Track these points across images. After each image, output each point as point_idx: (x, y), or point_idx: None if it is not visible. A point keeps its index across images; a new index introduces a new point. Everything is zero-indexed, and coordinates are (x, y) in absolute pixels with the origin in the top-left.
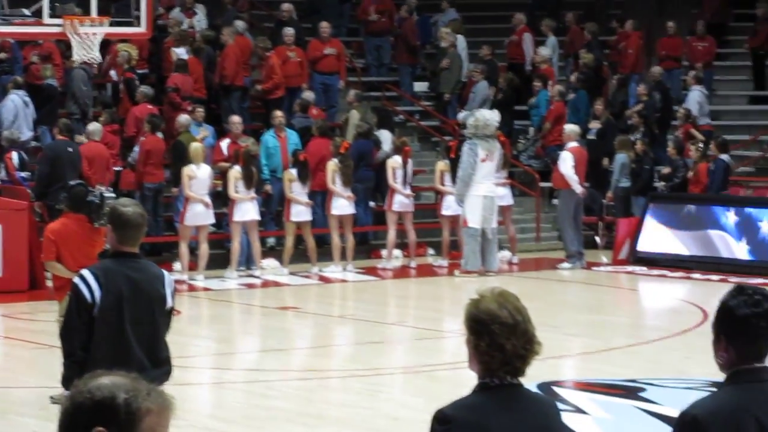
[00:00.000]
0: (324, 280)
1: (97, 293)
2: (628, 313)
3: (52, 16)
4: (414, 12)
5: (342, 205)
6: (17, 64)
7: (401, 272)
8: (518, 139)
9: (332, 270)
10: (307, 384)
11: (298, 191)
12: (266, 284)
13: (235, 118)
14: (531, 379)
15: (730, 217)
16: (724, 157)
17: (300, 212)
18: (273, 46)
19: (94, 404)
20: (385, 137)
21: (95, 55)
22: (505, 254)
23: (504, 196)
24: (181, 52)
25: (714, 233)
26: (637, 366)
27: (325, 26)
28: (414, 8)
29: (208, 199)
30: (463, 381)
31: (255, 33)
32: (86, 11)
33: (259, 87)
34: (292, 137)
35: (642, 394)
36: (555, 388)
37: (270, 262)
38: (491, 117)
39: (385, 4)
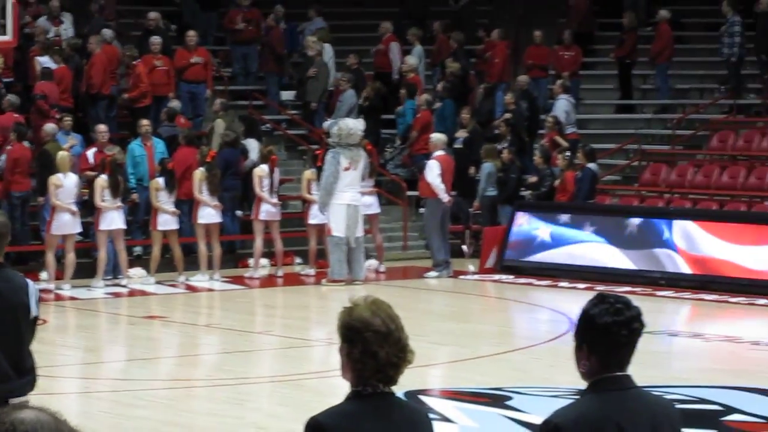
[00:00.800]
0: (191, 289)
1: None
2: (495, 321)
3: None
4: (281, 21)
5: (209, 214)
6: None
7: (268, 281)
8: (385, 148)
9: (199, 279)
10: (174, 393)
11: (164, 200)
12: (133, 293)
13: (102, 127)
14: (398, 388)
15: (596, 225)
16: (591, 165)
17: (166, 221)
18: (140, 54)
19: None
20: (252, 146)
21: None
22: (372, 263)
23: (371, 204)
24: (45, 61)
25: (580, 242)
26: (504, 374)
27: (191, 35)
28: (281, 17)
29: (74, 208)
30: (331, 390)
31: (122, 41)
32: None
33: (125, 96)
34: (159, 146)
35: (508, 403)
36: (422, 397)
37: (137, 271)
38: (355, 126)
39: (251, 13)
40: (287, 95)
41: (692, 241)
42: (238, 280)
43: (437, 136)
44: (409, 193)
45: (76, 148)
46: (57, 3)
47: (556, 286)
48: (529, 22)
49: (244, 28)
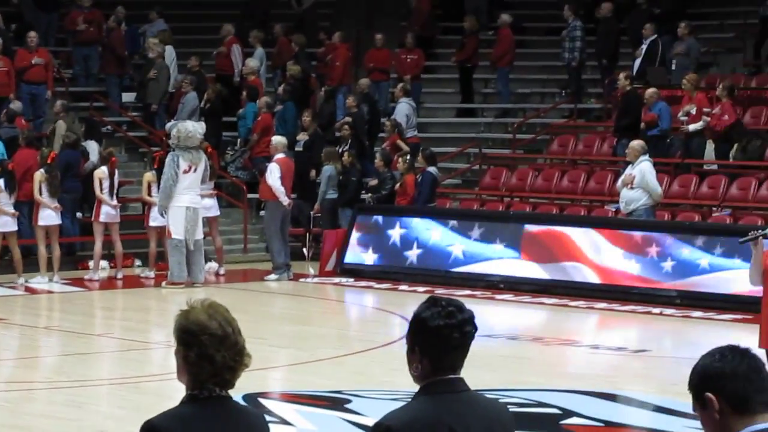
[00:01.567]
0: (30, 290)
1: None
2: (334, 324)
3: None
4: (122, 22)
5: (48, 216)
6: None
7: (108, 283)
8: (226, 151)
9: (38, 281)
10: (12, 395)
11: (4, 202)
12: None
13: None
14: (237, 391)
15: (436, 229)
16: (432, 169)
17: (6, 223)
18: None
19: None
20: (92, 148)
21: None
22: (212, 265)
23: (210, 207)
24: None
25: (421, 245)
26: (344, 377)
27: (32, 36)
28: (122, 19)
29: None
30: (169, 392)
31: None
32: None
33: None
34: None
35: (347, 406)
36: (261, 400)
37: None
38: (194, 128)
39: (92, 14)
40: (128, 97)
41: (534, 245)
42: (77, 282)
43: (278, 139)
44: (250, 195)
45: None
46: None
47: (396, 290)
48: (371, 25)
49: (85, 30)
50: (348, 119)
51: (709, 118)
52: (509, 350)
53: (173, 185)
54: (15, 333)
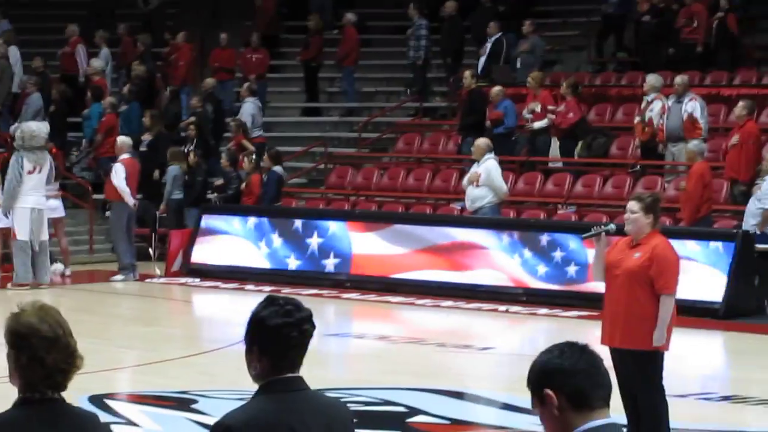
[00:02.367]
0: None
1: None
2: (181, 324)
3: None
4: None
5: None
6: None
7: None
8: (71, 151)
9: None
10: None
11: None
12: None
13: None
14: (83, 392)
15: (281, 228)
16: (277, 168)
17: None
18: None
19: None
20: None
21: None
22: (58, 267)
23: (56, 208)
24: None
25: (266, 245)
26: (190, 378)
27: None
28: None
29: None
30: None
31: None
32: None
33: None
34: None
35: (194, 406)
36: (107, 401)
37: None
38: (38, 128)
39: None
40: None
41: (375, 243)
42: None
43: (123, 139)
44: (95, 196)
45: None
46: None
47: (242, 289)
48: (216, 24)
49: None
50: (193, 119)
51: (553, 116)
52: (355, 349)
53: (18, 186)
54: None
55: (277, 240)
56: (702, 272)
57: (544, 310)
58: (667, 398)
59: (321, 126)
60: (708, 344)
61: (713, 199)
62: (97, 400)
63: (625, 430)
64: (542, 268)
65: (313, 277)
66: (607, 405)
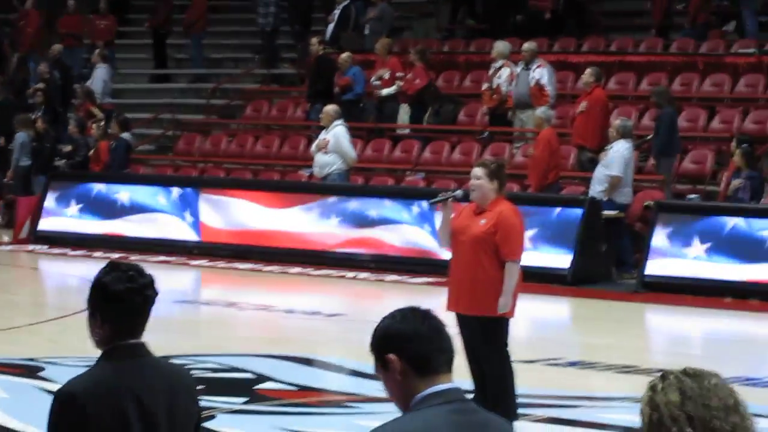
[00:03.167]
0: None
1: None
2: (29, 291)
3: None
4: None
5: None
6: None
7: None
8: None
9: None
10: None
11: None
12: None
13: None
14: None
15: (129, 193)
16: (125, 135)
17: None
18: None
19: None
20: None
21: None
22: None
23: None
24: None
25: (114, 211)
26: (38, 345)
27: None
28: None
29: None
30: None
31: None
32: None
33: None
34: None
35: (41, 374)
36: None
37: None
38: None
39: None
40: None
41: (223, 210)
42: None
43: None
44: None
45: None
46: None
47: (90, 257)
48: None
49: None
50: (41, 86)
51: (402, 83)
52: (204, 315)
53: None
54: None
55: (125, 207)
56: (550, 238)
57: (392, 277)
58: (515, 364)
59: (169, 93)
60: (556, 310)
61: (561, 165)
62: None
63: (470, 395)
64: (390, 235)
65: (161, 244)
66: (450, 370)
